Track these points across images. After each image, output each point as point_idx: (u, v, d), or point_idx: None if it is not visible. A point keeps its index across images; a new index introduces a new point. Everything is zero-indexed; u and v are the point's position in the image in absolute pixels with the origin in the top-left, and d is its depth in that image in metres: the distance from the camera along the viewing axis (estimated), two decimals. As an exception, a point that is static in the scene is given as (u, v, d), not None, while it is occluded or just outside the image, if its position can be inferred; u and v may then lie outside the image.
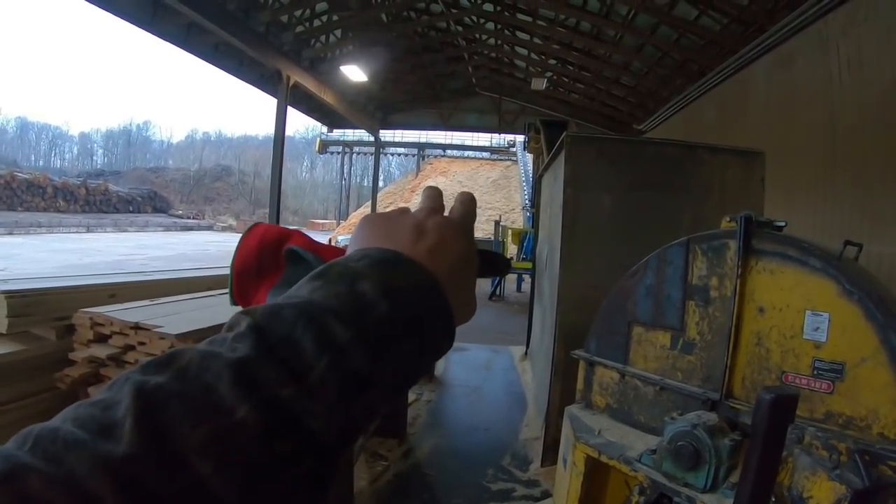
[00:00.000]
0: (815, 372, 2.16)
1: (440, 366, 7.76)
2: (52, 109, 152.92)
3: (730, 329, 2.46)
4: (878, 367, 2.01)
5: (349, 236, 0.62)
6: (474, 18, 18.83)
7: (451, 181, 40.68)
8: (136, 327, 3.75)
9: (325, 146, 48.54)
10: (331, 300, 0.46)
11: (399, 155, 55.59)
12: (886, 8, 7.03)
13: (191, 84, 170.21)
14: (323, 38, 17.91)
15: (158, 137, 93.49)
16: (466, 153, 48.64)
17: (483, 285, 15.93)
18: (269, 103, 17.41)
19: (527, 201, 29.04)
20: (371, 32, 18.05)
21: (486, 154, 47.77)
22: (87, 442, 0.36)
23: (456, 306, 0.53)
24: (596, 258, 4.48)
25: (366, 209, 37.95)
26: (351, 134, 43.24)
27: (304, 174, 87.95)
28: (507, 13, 17.03)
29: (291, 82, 16.12)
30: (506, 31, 19.06)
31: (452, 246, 0.59)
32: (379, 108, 26.50)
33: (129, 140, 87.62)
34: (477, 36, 20.70)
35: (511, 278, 17.36)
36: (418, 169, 48.04)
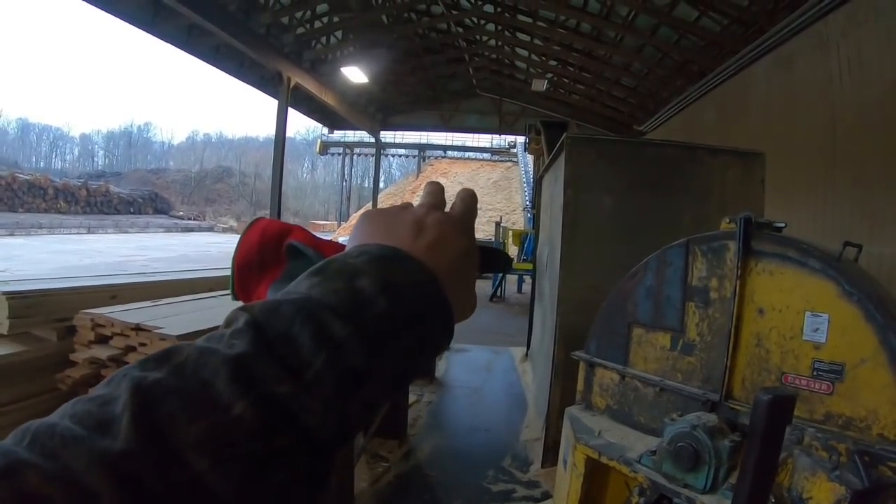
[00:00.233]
0: (815, 373, 2.16)
1: (441, 367, 7.76)
2: (53, 111, 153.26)
3: (729, 330, 2.46)
4: (878, 368, 2.01)
5: (349, 237, 0.62)
6: (475, 20, 18.85)
7: (451, 182, 40.54)
8: (137, 328, 3.75)
9: (325, 147, 48.62)
10: (329, 296, 0.46)
11: (400, 156, 55.71)
12: (887, 9, 7.03)
13: (192, 85, 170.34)
14: (324, 39, 17.94)
15: (159, 139, 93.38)
16: (467, 154, 48.68)
17: (484, 286, 15.95)
18: (269, 105, 17.47)
19: (527, 202, 29.03)
20: (372, 34, 18.07)
21: (486, 155, 47.80)
22: (84, 438, 0.36)
23: (455, 303, 0.53)
24: (596, 259, 4.48)
25: (365, 210, 37.95)
26: (352, 135, 43.31)
27: (304, 175, 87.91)
28: (507, 14, 17.06)
29: (292, 84, 16.13)
30: (506, 33, 19.08)
31: (452, 242, 0.59)
32: (380, 110, 26.53)
33: (130, 141, 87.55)
34: (477, 37, 20.73)
35: (511, 279, 17.35)
36: (419, 170, 48.07)
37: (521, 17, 16.73)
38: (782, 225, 2.49)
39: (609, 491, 2.87)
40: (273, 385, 0.41)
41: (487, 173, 44.58)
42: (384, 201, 36.97)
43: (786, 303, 2.29)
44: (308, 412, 0.42)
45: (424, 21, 19.09)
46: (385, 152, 43.66)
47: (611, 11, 13.79)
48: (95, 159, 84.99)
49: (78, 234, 32.73)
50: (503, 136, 38.45)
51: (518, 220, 31.94)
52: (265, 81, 18.24)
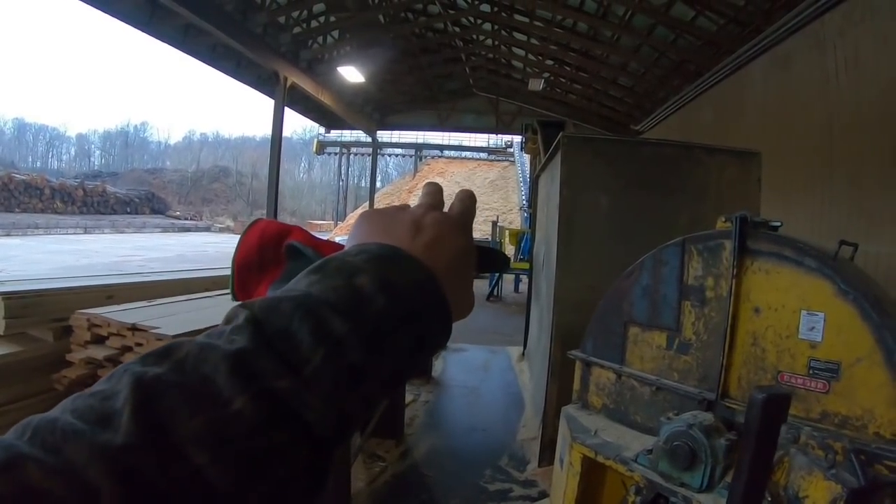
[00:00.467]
0: (811, 372, 2.17)
1: (438, 366, 7.76)
2: (50, 111, 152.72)
3: (725, 329, 2.46)
4: (874, 367, 2.01)
5: (347, 237, 0.62)
6: (471, 19, 18.87)
7: (448, 182, 40.56)
8: (134, 328, 3.74)
9: (322, 147, 48.47)
10: (328, 293, 0.46)
11: (396, 156, 55.52)
12: (883, 8, 7.05)
13: (188, 85, 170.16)
14: (320, 39, 17.94)
15: (156, 138, 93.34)
16: (464, 154, 48.60)
17: (480, 286, 15.94)
18: (266, 104, 17.44)
19: (524, 202, 29.09)
20: (368, 34, 18.08)
21: (483, 155, 47.73)
22: (85, 432, 0.36)
23: (453, 302, 0.54)
24: (592, 258, 4.49)
25: (363, 210, 37.92)
26: (348, 135, 43.18)
27: (301, 175, 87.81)
28: (504, 14, 17.06)
29: (289, 83, 16.12)
30: (503, 32, 19.09)
31: (450, 242, 0.59)
32: (376, 109, 26.54)
33: (127, 141, 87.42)
34: (474, 37, 20.73)
35: (508, 279, 17.35)
36: (416, 170, 47.97)
37: (517, 17, 16.75)
38: (778, 224, 2.50)
39: (606, 490, 2.87)
40: (273, 380, 0.41)
41: (484, 173, 44.56)
42: (381, 201, 36.98)
43: (782, 302, 2.29)
44: (307, 407, 0.42)
45: (421, 20, 19.11)
46: (382, 152, 43.59)
47: (607, 11, 13.81)
48: (92, 159, 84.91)
49: (74, 234, 32.66)
50: (500, 136, 38.45)
51: (515, 220, 31.96)
52: (262, 81, 18.24)
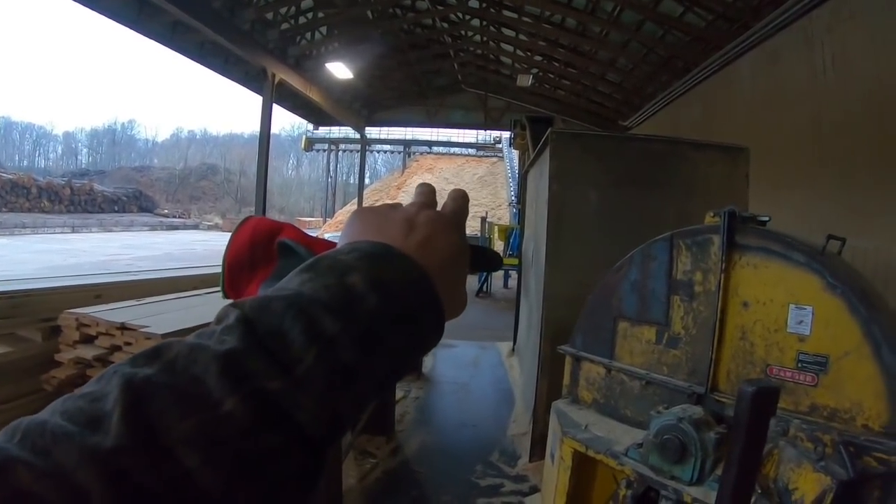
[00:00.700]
0: (800, 365, 2.19)
1: (428, 363, 7.76)
2: (37, 109, 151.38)
3: (714, 323, 2.48)
4: (862, 360, 2.03)
5: (336, 234, 0.62)
6: (460, 15, 18.81)
7: (437, 178, 40.56)
8: (123, 328, 3.73)
9: (310, 144, 48.30)
10: (320, 292, 0.46)
11: (385, 152, 55.41)
12: (871, 5, 7.09)
13: (176, 82, 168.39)
14: (308, 35, 17.84)
15: (143, 136, 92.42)
16: (452, 150, 48.46)
17: (470, 282, 15.93)
18: (254, 101, 17.41)
19: (513, 197, 29.10)
20: (357, 30, 18.02)
21: (472, 151, 47.63)
22: (75, 434, 0.36)
23: (446, 300, 0.53)
24: (581, 254, 4.50)
25: (352, 207, 37.82)
26: (337, 131, 43.09)
27: (290, 172, 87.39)
28: (492, 10, 17.02)
29: (277, 80, 16.03)
30: (491, 28, 19.04)
31: (443, 240, 0.59)
32: (365, 106, 26.44)
33: (114, 139, 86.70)
34: (463, 33, 20.66)
35: (498, 275, 17.38)
36: (404, 166, 47.88)
37: (506, 13, 16.70)
38: (766, 219, 2.51)
39: (596, 484, 2.89)
40: (264, 380, 0.41)
41: (473, 169, 44.53)
42: (369, 197, 36.93)
43: (770, 296, 2.31)
44: (299, 408, 0.42)
45: (409, 16, 19.02)
46: (370, 148, 43.56)
47: (596, 7, 13.79)
48: (79, 157, 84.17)
49: (62, 233, 32.50)
50: (488, 132, 38.41)
51: (504, 216, 32.00)
52: (250, 78, 18.12)
